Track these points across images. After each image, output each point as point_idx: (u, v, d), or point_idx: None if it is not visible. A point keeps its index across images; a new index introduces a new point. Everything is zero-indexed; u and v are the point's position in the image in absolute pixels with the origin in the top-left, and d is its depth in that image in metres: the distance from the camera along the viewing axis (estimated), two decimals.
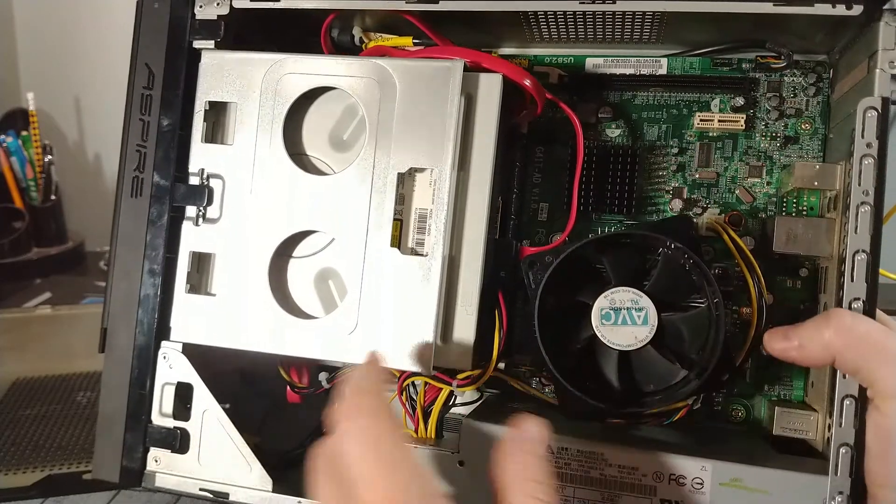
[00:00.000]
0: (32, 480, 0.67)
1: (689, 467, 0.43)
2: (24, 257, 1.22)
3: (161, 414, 0.48)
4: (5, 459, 0.70)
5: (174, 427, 0.48)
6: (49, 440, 0.73)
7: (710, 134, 0.53)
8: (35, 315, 1.00)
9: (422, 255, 0.45)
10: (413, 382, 0.51)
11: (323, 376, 0.52)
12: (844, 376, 0.41)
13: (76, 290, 1.14)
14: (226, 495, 0.47)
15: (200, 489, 0.47)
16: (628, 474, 0.43)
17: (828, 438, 0.45)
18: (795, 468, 0.42)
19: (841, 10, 0.42)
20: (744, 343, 0.47)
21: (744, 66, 0.53)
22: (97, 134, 1.43)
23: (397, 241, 0.46)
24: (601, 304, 0.46)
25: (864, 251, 0.41)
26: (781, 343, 0.41)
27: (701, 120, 0.52)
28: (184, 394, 0.48)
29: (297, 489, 0.47)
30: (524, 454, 0.35)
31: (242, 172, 0.48)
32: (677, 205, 0.53)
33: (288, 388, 0.54)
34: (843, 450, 0.41)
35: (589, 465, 0.44)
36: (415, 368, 0.45)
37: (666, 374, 0.46)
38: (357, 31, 0.54)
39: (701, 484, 0.43)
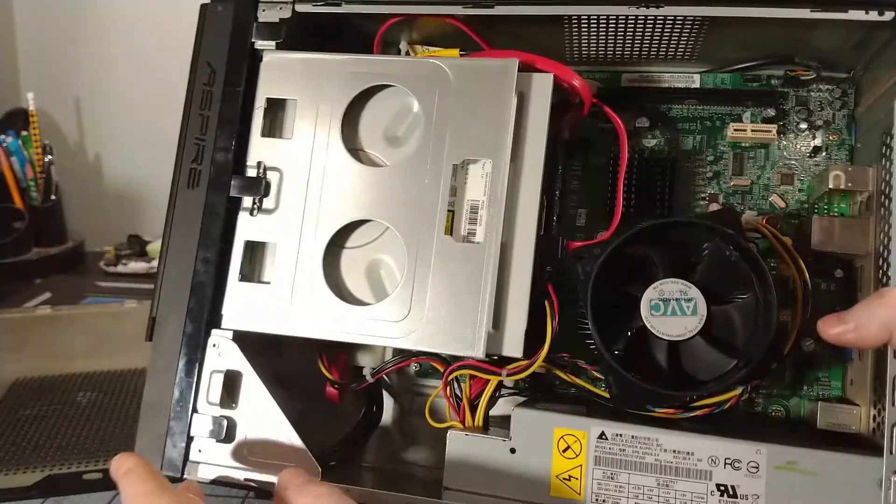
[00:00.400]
0: (32, 480, 0.65)
1: (745, 451, 0.43)
2: (24, 257, 1.22)
3: (208, 402, 0.48)
4: (5, 459, 0.68)
5: (220, 416, 0.47)
6: (49, 440, 0.72)
7: (743, 144, 0.55)
8: (35, 315, 0.99)
9: (475, 243, 0.47)
10: (457, 377, 0.51)
11: (367, 370, 0.52)
12: (895, 355, 0.42)
13: (76, 290, 1.13)
14: (271, 484, 0.46)
15: (245, 479, 0.47)
16: (683, 459, 0.44)
17: (873, 428, 0.46)
18: (849, 451, 0.43)
19: (874, 15, 0.45)
20: (787, 337, 0.48)
21: (773, 82, 0.56)
22: (97, 134, 1.44)
23: (450, 230, 0.47)
24: (650, 295, 0.47)
25: None
26: (837, 327, 0.42)
27: (735, 130, 0.55)
28: (232, 382, 0.48)
29: (342, 479, 0.46)
30: (297, 486, 0.40)
31: (300, 165, 0.49)
32: (714, 209, 0.54)
33: (328, 384, 0.53)
34: None
35: (644, 451, 0.44)
36: (467, 353, 0.45)
37: (715, 364, 0.46)
38: (403, 45, 0.57)
39: (756, 467, 0.43)
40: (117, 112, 1.38)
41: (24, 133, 1.28)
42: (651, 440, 0.44)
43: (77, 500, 0.63)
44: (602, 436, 0.45)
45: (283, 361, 0.54)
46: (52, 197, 1.29)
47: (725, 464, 0.43)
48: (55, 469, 0.67)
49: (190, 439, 0.48)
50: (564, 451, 0.45)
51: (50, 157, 1.30)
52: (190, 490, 0.42)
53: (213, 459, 0.47)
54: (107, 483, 0.64)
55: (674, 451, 0.44)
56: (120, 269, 1.23)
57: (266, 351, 0.51)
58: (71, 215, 1.35)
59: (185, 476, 0.47)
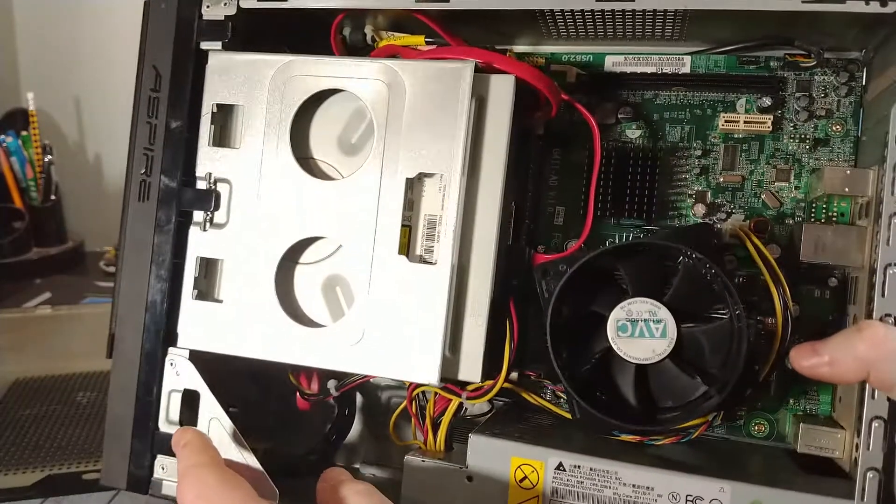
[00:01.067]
0: (32, 480, 0.66)
1: (708, 488, 0.41)
2: (24, 257, 1.24)
3: (168, 421, 0.47)
4: (5, 459, 0.70)
5: None
6: (49, 440, 0.73)
7: (736, 135, 0.51)
8: (35, 315, 1.00)
9: (430, 262, 0.44)
10: (423, 392, 0.50)
11: (332, 384, 0.51)
12: (874, 396, 0.39)
13: (76, 290, 1.14)
14: None
15: None
16: (643, 494, 0.42)
17: (855, 459, 0.43)
18: (820, 491, 0.40)
19: (875, 6, 0.40)
20: (768, 356, 0.45)
21: (771, 64, 0.50)
22: (97, 134, 1.44)
23: (405, 248, 0.45)
24: (617, 315, 0.44)
25: None
26: (811, 359, 0.39)
27: (726, 121, 0.50)
28: (191, 401, 0.47)
29: (304, 499, 0.46)
30: (342, 482, 0.42)
31: (249, 177, 0.47)
32: (700, 209, 0.50)
33: (297, 394, 0.53)
34: (870, 474, 0.39)
35: (602, 484, 0.42)
36: (422, 380, 0.44)
37: (685, 389, 0.44)
38: (369, 30, 0.53)
39: None
40: (117, 112, 1.35)
41: (24, 133, 1.27)
42: (610, 473, 0.42)
43: (77, 500, 0.64)
44: (560, 467, 0.43)
45: (260, 361, 0.54)
46: (52, 197, 1.29)
47: (686, 500, 0.41)
48: (55, 469, 0.68)
49: (153, 457, 0.48)
50: (521, 480, 0.43)
51: (50, 157, 1.30)
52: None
53: (176, 477, 0.47)
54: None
55: (633, 486, 0.42)
56: None
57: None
58: (71, 215, 1.35)
59: (149, 493, 0.48)
